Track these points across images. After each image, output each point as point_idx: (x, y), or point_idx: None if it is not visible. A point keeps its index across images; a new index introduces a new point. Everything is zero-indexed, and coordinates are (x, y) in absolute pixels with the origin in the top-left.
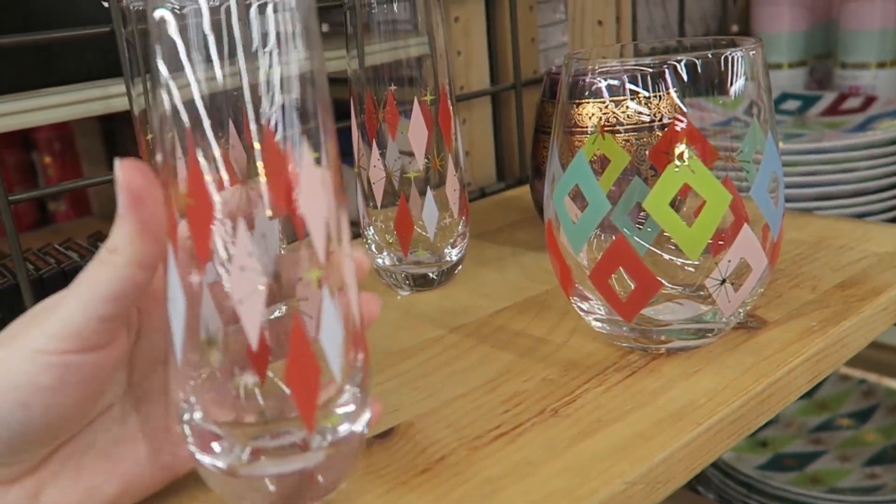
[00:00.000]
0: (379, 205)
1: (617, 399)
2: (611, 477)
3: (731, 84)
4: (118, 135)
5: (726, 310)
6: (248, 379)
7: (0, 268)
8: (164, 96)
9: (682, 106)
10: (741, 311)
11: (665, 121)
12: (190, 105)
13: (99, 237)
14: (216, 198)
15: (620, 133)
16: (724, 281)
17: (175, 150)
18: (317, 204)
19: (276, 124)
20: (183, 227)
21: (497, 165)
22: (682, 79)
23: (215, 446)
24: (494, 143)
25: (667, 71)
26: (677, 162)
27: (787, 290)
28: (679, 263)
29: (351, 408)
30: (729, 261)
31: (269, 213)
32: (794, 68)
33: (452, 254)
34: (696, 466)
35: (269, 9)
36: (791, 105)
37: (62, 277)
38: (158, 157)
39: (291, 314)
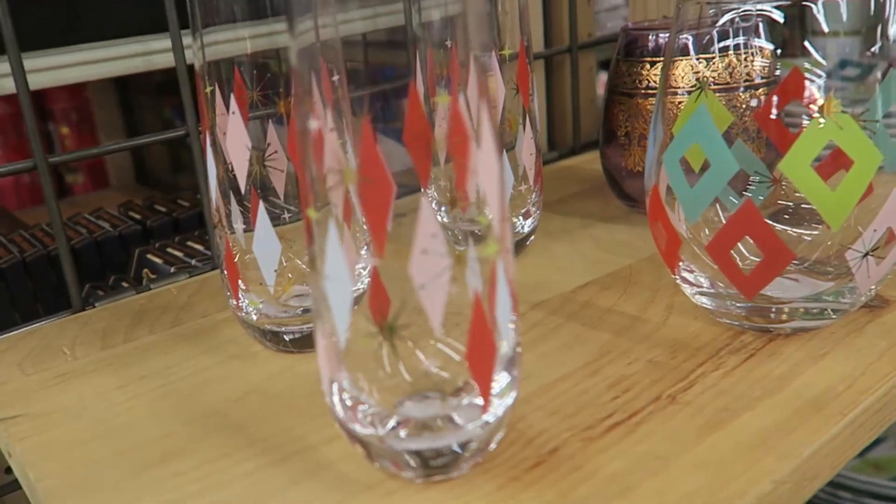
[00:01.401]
0: (442, 162)
1: (740, 385)
2: (757, 475)
3: (878, 28)
4: (135, 105)
5: (864, 285)
6: (431, 363)
7: (29, 238)
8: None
9: (816, 55)
10: (874, 288)
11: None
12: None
13: (130, 206)
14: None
15: (730, 91)
16: (866, 254)
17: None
18: (493, 178)
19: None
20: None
21: (548, 134)
22: (820, 23)
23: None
24: (547, 109)
25: (812, 10)
26: (821, 117)
27: None
28: (795, 235)
29: (515, 373)
30: (875, 230)
31: (451, 192)
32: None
33: (525, 225)
34: (840, 462)
35: None
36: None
37: (94, 247)
38: (313, 124)
39: (472, 293)
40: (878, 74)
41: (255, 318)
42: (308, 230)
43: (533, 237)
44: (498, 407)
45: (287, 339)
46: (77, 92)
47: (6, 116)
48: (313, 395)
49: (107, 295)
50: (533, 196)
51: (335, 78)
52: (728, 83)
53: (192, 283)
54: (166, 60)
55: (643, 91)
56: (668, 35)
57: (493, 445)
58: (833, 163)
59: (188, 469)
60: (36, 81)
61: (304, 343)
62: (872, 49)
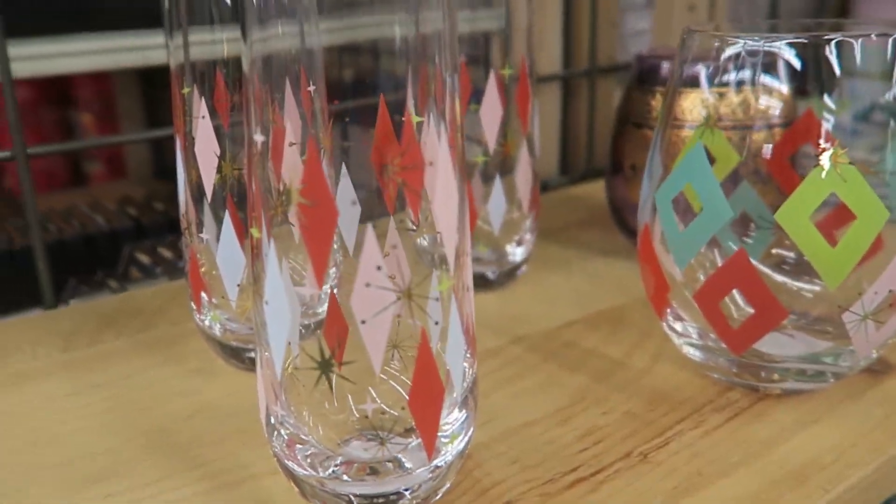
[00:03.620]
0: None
1: (720, 447)
2: None
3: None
4: (159, 96)
5: (862, 350)
6: (368, 406)
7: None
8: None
9: (827, 100)
10: (875, 352)
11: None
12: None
13: (129, 201)
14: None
15: (742, 129)
16: (865, 316)
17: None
18: (450, 210)
19: (416, 111)
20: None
21: (561, 158)
22: (831, 64)
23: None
24: (561, 133)
25: (826, 51)
26: (825, 167)
27: None
28: (795, 289)
29: (464, 416)
30: (876, 293)
31: (408, 224)
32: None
33: (517, 253)
34: None
35: None
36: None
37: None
38: (257, 137)
39: (420, 330)
40: (894, 122)
41: (219, 332)
42: (252, 249)
43: (525, 266)
44: (446, 453)
45: (246, 356)
46: (101, 80)
47: (27, 100)
48: None
49: (90, 291)
50: (527, 223)
51: (311, 88)
52: (741, 121)
53: (167, 287)
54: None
55: (654, 122)
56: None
57: (437, 495)
58: (838, 216)
59: (120, 491)
60: (52, 67)
61: None
62: (890, 94)
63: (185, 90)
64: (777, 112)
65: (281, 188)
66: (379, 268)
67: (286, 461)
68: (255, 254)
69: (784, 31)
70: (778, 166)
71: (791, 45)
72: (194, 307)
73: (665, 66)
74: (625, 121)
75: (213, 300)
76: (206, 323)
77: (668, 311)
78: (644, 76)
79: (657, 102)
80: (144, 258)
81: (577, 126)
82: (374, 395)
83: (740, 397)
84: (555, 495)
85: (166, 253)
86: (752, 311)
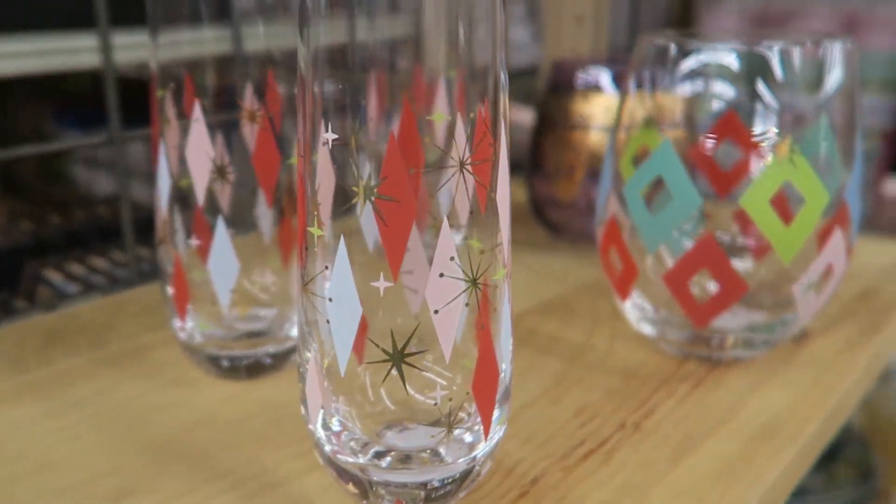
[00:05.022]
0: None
1: (695, 413)
2: (732, 502)
3: (825, 77)
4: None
5: (805, 316)
6: (438, 394)
7: None
8: None
9: (771, 98)
10: (809, 319)
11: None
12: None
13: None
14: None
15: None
16: (809, 286)
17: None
18: (506, 198)
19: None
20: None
21: None
22: (774, 69)
23: None
24: None
25: (770, 58)
26: (781, 157)
27: None
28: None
29: (507, 408)
30: (822, 265)
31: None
32: None
33: None
34: (791, 487)
35: None
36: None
37: None
38: (328, 135)
39: (476, 317)
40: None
41: (199, 340)
42: (302, 249)
43: None
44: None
45: (237, 365)
46: None
47: None
48: (276, 423)
49: None
50: None
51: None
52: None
53: (107, 302)
54: (92, 60)
55: (571, 124)
56: (597, 70)
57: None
58: (780, 202)
59: None
60: None
61: (256, 369)
62: (817, 96)
63: (160, 93)
64: (712, 113)
65: (348, 187)
66: (452, 258)
67: (343, 457)
68: (306, 253)
69: (725, 41)
70: (705, 161)
71: (735, 51)
72: (175, 315)
73: (579, 73)
74: (543, 123)
75: (193, 307)
76: (188, 331)
77: (633, 295)
78: (560, 81)
79: (575, 105)
80: (54, 275)
81: None
82: (443, 383)
83: (696, 368)
84: (573, 468)
85: (76, 268)
86: (712, 288)
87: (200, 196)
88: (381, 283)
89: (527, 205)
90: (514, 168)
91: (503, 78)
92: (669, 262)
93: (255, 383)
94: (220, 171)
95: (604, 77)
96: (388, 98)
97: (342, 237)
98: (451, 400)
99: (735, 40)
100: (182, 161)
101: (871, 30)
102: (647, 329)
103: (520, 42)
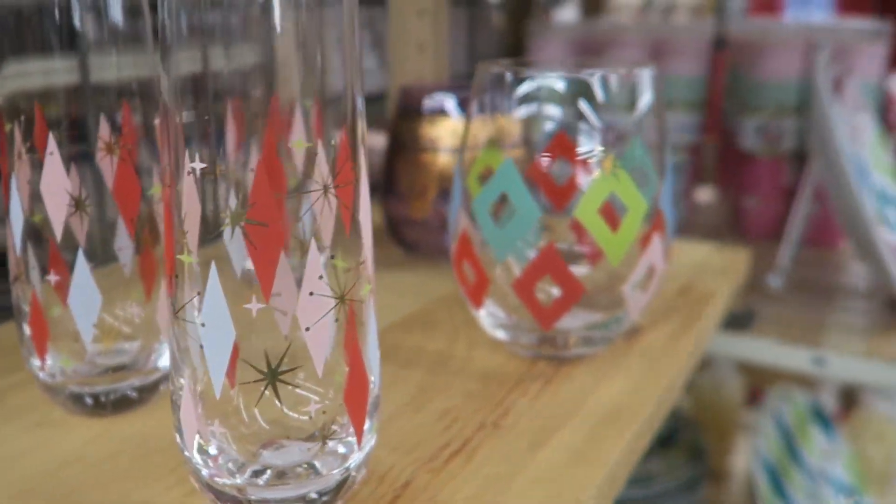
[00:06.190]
0: None
1: (548, 408)
2: (583, 483)
3: (638, 99)
4: None
5: (633, 313)
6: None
7: None
8: None
9: (594, 119)
10: (637, 316)
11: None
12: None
13: None
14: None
15: (519, 148)
16: (636, 286)
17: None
18: (367, 218)
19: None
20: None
21: None
22: (596, 93)
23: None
24: None
25: (592, 83)
26: (604, 171)
27: None
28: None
29: (377, 415)
30: (645, 266)
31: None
32: None
33: None
34: (633, 464)
35: None
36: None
37: None
38: (194, 165)
39: (345, 332)
40: (637, 138)
41: (60, 378)
42: (171, 277)
43: None
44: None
45: (101, 401)
46: None
47: None
48: (147, 457)
49: None
50: None
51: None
52: (518, 142)
53: None
54: None
55: (421, 147)
56: (442, 96)
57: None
58: (608, 211)
59: None
60: None
61: (122, 404)
62: (633, 116)
63: (7, 127)
64: (546, 133)
65: (215, 214)
66: (321, 277)
67: (221, 479)
68: (176, 281)
69: (554, 69)
70: (541, 177)
71: (563, 77)
72: (33, 355)
73: (426, 99)
74: (395, 147)
75: (53, 345)
76: (48, 370)
77: (485, 303)
78: (408, 107)
79: (424, 129)
80: None
81: None
82: (316, 398)
83: (546, 367)
84: (441, 469)
85: None
86: (555, 293)
87: (58, 231)
88: (254, 305)
89: (382, 225)
90: (370, 190)
91: (360, 104)
92: (517, 271)
93: (122, 418)
94: (78, 205)
95: (449, 102)
96: (247, 126)
97: (212, 262)
98: (324, 413)
99: (562, 68)
100: (35, 196)
101: (674, 57)
102: (501, 334)
103: (367, 69)
